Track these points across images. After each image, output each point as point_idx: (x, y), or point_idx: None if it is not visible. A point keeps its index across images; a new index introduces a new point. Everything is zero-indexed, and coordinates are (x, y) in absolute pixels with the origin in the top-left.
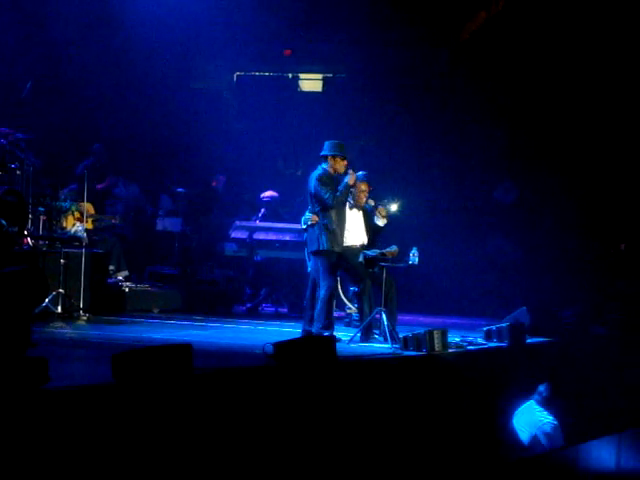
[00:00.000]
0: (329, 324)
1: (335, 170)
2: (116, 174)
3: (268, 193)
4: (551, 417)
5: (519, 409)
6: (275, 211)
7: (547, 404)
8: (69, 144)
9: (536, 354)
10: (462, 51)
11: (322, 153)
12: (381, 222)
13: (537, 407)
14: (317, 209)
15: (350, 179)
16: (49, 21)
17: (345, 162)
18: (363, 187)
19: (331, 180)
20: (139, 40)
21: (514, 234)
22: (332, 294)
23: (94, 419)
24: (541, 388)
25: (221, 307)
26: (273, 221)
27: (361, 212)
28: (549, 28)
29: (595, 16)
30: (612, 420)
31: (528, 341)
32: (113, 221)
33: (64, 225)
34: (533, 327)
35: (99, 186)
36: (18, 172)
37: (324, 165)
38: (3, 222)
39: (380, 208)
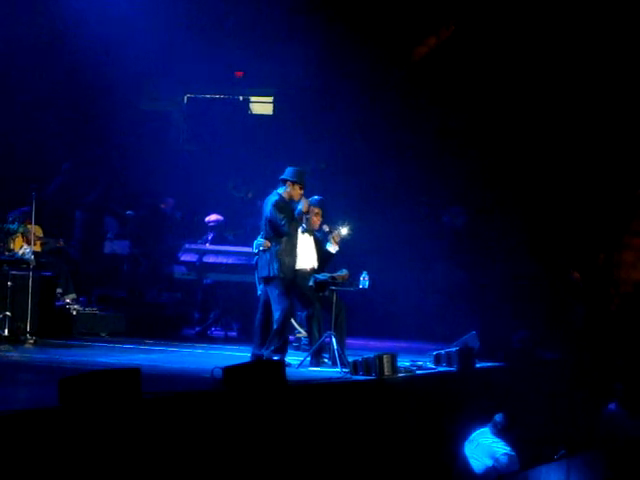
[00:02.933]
0: (282, 347)
1: (290, 196)
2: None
3: (213, 217)
4: (507, 447)
5: (472, 437)
6: (221, 234)
7: (503, 434)
8: (16, 167)
9: (486, 379)
10: (414, 73)
11: (282, 177)
12: (333, 249)
13: (492, 437)
14: (270, 235)
15: (304, 206)
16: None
17: (302, 191)
18: (317, 211)
19: (287, 206)
20: (89, 61)
21: (464, 258)
22: (288, 317)
23: (40, 444)
24: (497, 418)
25: (170, 331)
26: (223, 244)
27: (312, 237)
28: (498, 53)
29: (542, 41)
30: (561, 445)
31: (477, 366)
32: (58, 245)
33: (11, 247)
34: (482, 352)
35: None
36: None
37: (280, 190)
38: None
39: (334, 234)
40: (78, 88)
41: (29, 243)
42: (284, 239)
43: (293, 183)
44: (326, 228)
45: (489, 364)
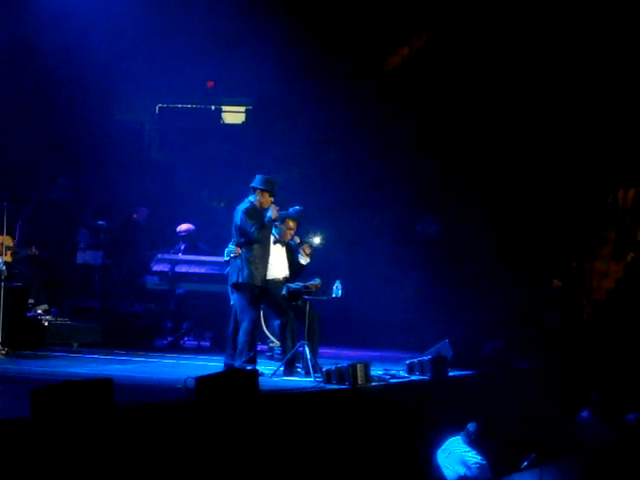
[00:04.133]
0: (252, 358)
1: (261, 204)
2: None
3: (184, 226)
4: (479, 457)
5: (444, 445)
6: (193, 244)
7: (475, 443)
8: None
9: (458, 387)
10: (387, 83)
11: (252, 185)
12: (304, 261)
13: (464, 446)
14: (240, 241)
15: (273, 213)
16: None
17: (272, 199)
18: (291, 224)
19: (257, 213)
20: (60, 70)
21: (437, 267)
22: (255, 327)
23: (11, 455)
24: (470, 427)
25: (142, 341)
26: (195, 254)
27: (285, 247)
28: (471, 61)
29: (514, 48)
30: (533, 453)
31: (450, 374)
32: (31, 252)
33: None
34: (455, 360)
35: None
36: None
37: (251, 198)
38: None
39: (305, 246)
40: (49, 98)
41: (0, 254)
42: (255, 246)
43: (262, 191)
44: (297, 239)
45: (462, 373)
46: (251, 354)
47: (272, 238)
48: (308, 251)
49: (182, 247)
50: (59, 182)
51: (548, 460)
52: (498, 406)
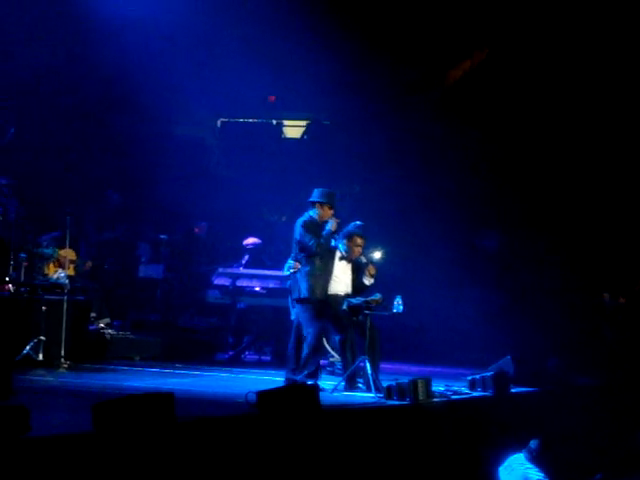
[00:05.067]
0: (314, 372)
1: (321, 218)
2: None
3: (251, 240)
4: (541, 474)
5: (506, 462)
6: (258, 258)
7: (537, 460)
8: (52, 190)
9: (521, 404)
10: (447, 98)
11: (310, 199)
12: (367, 282)
13: (526, 463)
14: (300, 256)
15: (333, 226)
16: (30, 66)
17: (332, 211)
18: (359, 241)
19: (316, 227)
20: (123, 85)
21: (498, 282)
22: (319, 341)
23: (74, 469)
24: (532, 444)
25: (203, 355)
26: (256, 268)
27: (350, 264)
28: (533, 77)
29: (580, 66)
30: (595, 472)
31: (512, 391)
32: (87, 267)
33: (46, 272)
34: (517, 377)
35: (108, 234)
36: (0, 218)
37: (310, 212)
38: None
39: (370, 267)
40: (111, 113)
41: (63, 267)
42: (315, 260)
43: (322, 204)
44: (363, 259)
45: (524, 389)
46: (313, 369)
47: (338, 254)
48: (373, 272)
49: (245, 260)
50: (111, 195)
51: (612, 478)
52: (561, 423)
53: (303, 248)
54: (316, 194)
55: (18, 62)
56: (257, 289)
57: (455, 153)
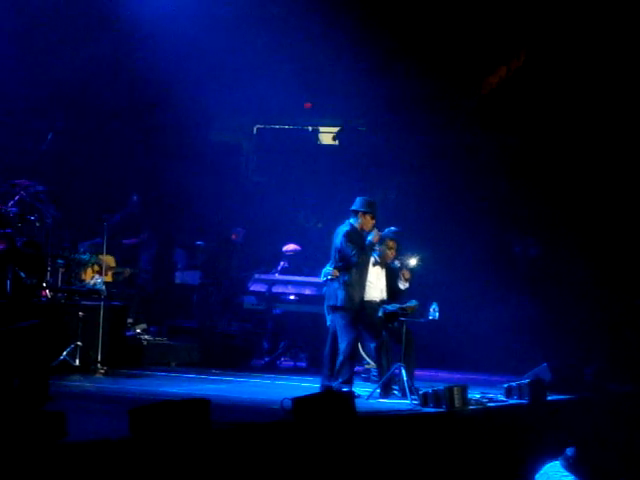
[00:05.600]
0: (350, 379)
1: (362, 227)
2: (149, 228)
3: (290, 246)
4: None
5: (542, 470)
6: (297, 264)
7: (574, 468)
8: (89, 196)
9: (557, 411)
10: (483, 105)
11: (352, 208)
12: (402, 286)
13: (562, 471)
14: (339, 264)
15: (374, 237)
16: (69, 75)
17: (373, 221)
18: (391, 244)
19: (358, 237)
20: (160, 91)
21: (535, 290)
22: (354, 348)
23: (111, 474)
24: (568, 452)
25: (239, 361)
26: (293, 274)
27: (384, 269)
28: (570, 82)
29: (619, 71)
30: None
31: (549, 398)
32: (125, 274)
33: (83, 277)
34: (554, 384)
35: (128, 241)
36: (37, 224)
37: (352, 220)
38: (22, 274)
39: (404, 271)
40: (149, 119)
41: (100, 273)
42: (353, 270)
43: (364, 213)
44: (397, 263)
45: (560, 397)
46: (348, 376)
47: (372, 260)
48: (407, 276)
49: (282, 267)
50: (132, 199)
51: None
52: (597, 430)
53: (343, 257)
54: (359, 203)
55: (55, 68)
56: (292, 297)
57: (491, 160)
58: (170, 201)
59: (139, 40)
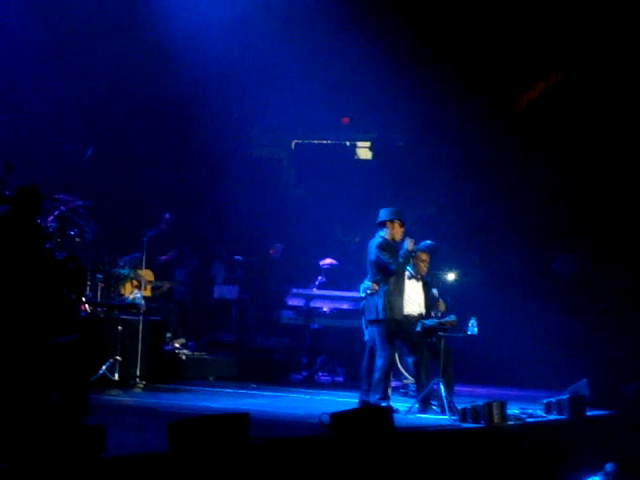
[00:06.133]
0: (386, 395)
1: (392, 236)
2: (181, 245)
3: (328, 261)
4: None
5: None
6: (334, 279)
7: None
8: (129, 212)
9: (597, 427)
10: (521, 118)
11: (379, 220)
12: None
13: None
14: (377, 277)
15: (409, 245)
16: (109, 91)
17: (403, 228)
18: (424, 257)
19: (391, 247)
20: (200, 106)
21: (575, 305)
22: (391, 364)
23: None
24: (608, 467)
25: (277, 375)
26: (331, 289)
27: (420, 282)
28: (610, 98)
29: None
30: None
31: (589, 414)
32: (164, 288)
33: (122, 292)
34: (594, 400)
35: (163, 258)
36: (77, 239)
37: (381, 233)
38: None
39: (440, 302)
40: (189, 135)
41: (139, 288)
42: (392, 280)
43: (392, 221)
44: (435, 293)
45: (600, 412)
46: (385, 391)
47: (406, 273)
48: (442, 308)
49: (319, 281)
50: (165, 216)
51: None
52: (638, 446)
53: (381, 268)
54: (384, 213)
55: (96, 84)
56: (328, 311)
57: (530, 176)
58: (210, 216)
59: (178, 56)
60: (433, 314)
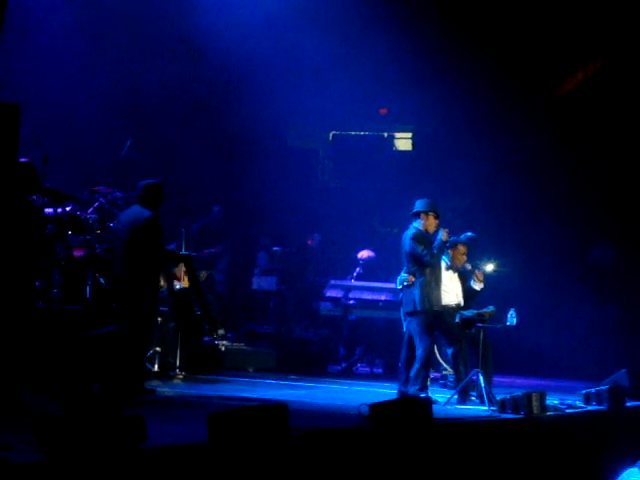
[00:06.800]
0: (425, 386)
1: (426, 228)
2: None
3: (365, 253)
4: None
5: (621, 477)
6: (371, 270)
7: None
8: (166, 203)
9: (637, 418)
10: (559, 108)
11: (414, 210)
12: (477, 286)
13: None
14: (413, 269)
15: (444, 235)
16: (145, 82)
17: (437, 221)
18: (462, 249)
19: (425, 238)
20: (237, 99)
21: (614, 294)
22: (430, 355)
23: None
24: None
25: (316, 367)
26: (368, 280)
27: (457, 273)
28: None
29: None
30: None
31: (628, 404)
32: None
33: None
34: (633, 390)
35: (208, 250)
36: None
37: (415, 224)
38: (101, 280)
39: (478, 273)
40: (227, 128)
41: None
42: (427, 271)
43: (426, 213)
44: (468, 266)
45: None
46: (424, 381)
47: (443, 265)
48: (481, 277)
49: (357, 272)
50: (214, 209)
51: None
52: None
53: (416, 260)
54: (419, 204)
55: (131, 76)
56: (367, 303)
57: (567, 165)
58: (248, 207)
59: (214, 44)
60: (476, 287)
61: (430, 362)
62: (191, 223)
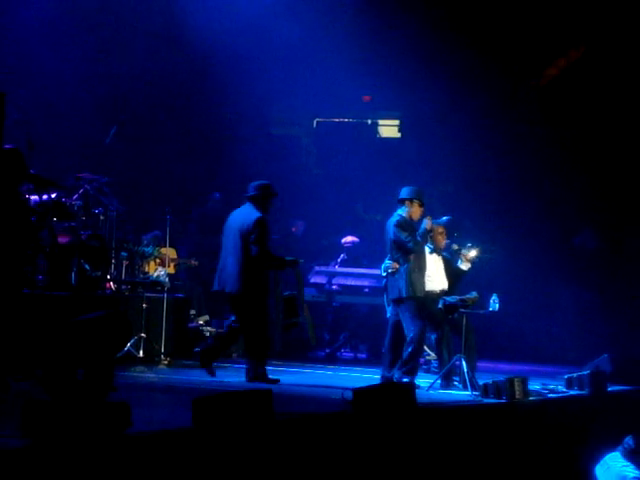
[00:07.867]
0: (414, 368)
1: (411, 216)
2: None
3: (349, 238)
4: (638, 471)
5: (602, 460)
6: (355, 256)
7: (633, 456)
8: (152, 190)
9: (618, 403)
10: (543, 95)
11: (400, 197)
12: (465, 266)
13: (622, 460)
14: (397, 256)
15: (427, 224)
16: (131, 69)
17: (422, 209)
18: (440, 230)
19: (408, 225)
20: (219, 85)
21: (596, 280)
22: (423, 337)
23: (174, 464)
24: (627, 440)
25: (299, 352)
26: (352, 266)
27: (440, 257)
28: (631, 74)
29: None
30: None
31: (610, 389)
32: (192, 264)
33: (146, 270)
34: (615, 375)
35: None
36: (102, 217)
37: (400, 211)
38: (86, 266)
39: (464, 252)
40: (210, 115)
41: (163, 265)
42: (412, 258)
43: (411, 200)
44: (455, 247)
45: (621, 388)
46: (414, 364)
47: (427, 249)
48: (469, 257)
49: (341, 259)
50: (215, 196)
51: None
52: None
53: (400, 247)
54: (405, 192)
55: (117, 63)
56: (351, 289)
57: (552, 152)
58: (231, 194)
59: (200, 33)
60: (463, 267)
61: (422, 347)
62: (190, 209)
